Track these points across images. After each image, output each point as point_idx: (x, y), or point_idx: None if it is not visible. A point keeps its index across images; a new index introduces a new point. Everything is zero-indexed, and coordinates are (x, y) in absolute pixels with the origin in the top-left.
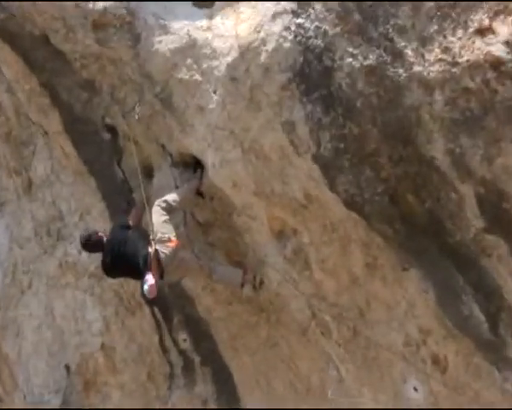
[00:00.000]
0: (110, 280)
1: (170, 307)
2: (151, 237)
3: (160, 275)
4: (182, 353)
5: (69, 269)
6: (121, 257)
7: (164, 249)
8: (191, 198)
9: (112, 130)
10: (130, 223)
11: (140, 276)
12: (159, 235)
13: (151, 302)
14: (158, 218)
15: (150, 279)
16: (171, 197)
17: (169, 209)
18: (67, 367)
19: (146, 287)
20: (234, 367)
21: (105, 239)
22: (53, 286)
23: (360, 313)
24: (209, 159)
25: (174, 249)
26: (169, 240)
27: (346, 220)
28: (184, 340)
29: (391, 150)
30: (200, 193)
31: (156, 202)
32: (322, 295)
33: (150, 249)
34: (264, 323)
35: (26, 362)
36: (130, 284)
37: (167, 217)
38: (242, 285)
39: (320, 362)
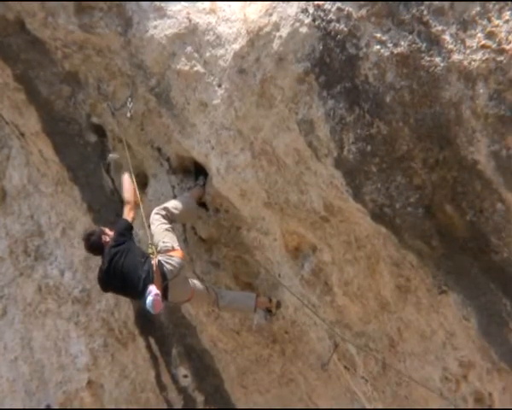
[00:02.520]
0: (98, 306)
1: (168, 337)
2: (150, 251)
3: (164, 292)
4: (182, 391)
5: (50, 293)
6: (120, 269)
7: (167, 260)
8: (192, 210)
9: (99, 130)
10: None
11: (139, 294)
12: (160, 245)
13: (147, 332)
14: (158, 227)
15: (154, 290)
16: (172, 204)
17: (170, 217)
18: (48, 408)
19: (150, 298)
20: (243, 407)
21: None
22: (31, 314)
23: (390, 344)
24: (213, 164)
25: (180, 259)
26: (172, 249)
27: (373, 235)
28: (185, 376)
29: (426, 153)
30: (202, 204)
31: (155, 210)
32: (346, 322)
33: (153, 262)
34: (277, 356)
35: None
36: (121, 311)
37: (169, 225)
38: (255, 310)
39: (343, 401)
